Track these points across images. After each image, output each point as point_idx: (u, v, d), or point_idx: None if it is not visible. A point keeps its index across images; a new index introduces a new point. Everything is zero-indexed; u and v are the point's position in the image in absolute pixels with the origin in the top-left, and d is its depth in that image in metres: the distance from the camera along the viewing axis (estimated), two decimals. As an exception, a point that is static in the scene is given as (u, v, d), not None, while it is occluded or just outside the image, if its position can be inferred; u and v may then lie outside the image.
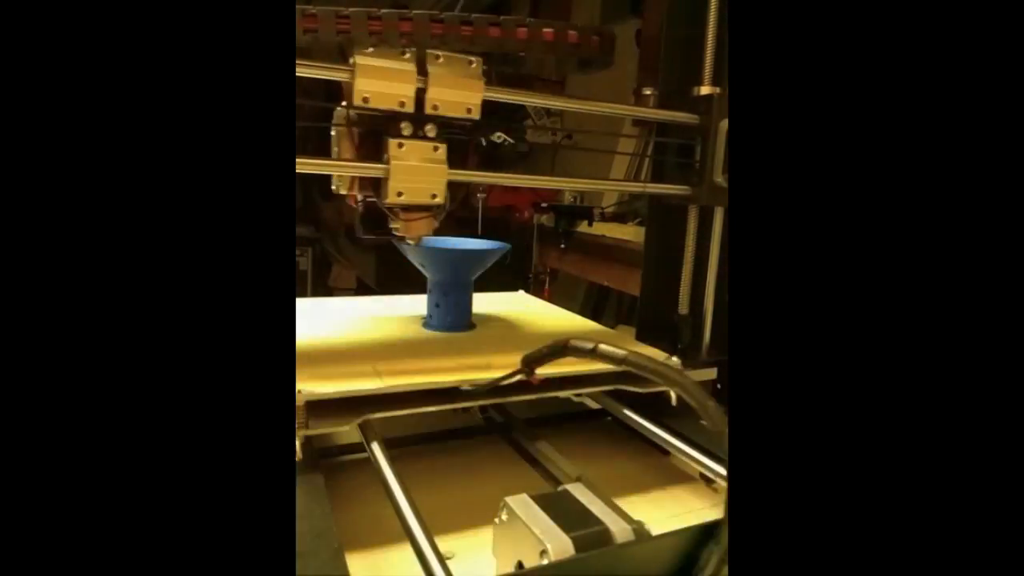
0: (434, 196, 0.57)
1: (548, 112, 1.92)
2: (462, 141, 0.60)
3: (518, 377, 0.51)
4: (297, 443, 0.48)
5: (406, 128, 0.55)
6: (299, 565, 0.35)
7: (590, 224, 1.67)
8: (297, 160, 0.51)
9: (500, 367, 0.54)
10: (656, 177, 0.76)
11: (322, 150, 0.53)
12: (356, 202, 0.61)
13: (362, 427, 0.51)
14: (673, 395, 0.61)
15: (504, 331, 0.77)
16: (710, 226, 0.73)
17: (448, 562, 0.37)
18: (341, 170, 0.58)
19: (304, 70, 0.50)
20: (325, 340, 0.66)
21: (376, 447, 0.50)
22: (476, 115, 0.57)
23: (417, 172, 0.56)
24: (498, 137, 0.62)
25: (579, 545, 0.37)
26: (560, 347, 0.46)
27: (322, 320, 0.76)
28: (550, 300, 0.98)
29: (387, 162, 0.55)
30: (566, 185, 0.89)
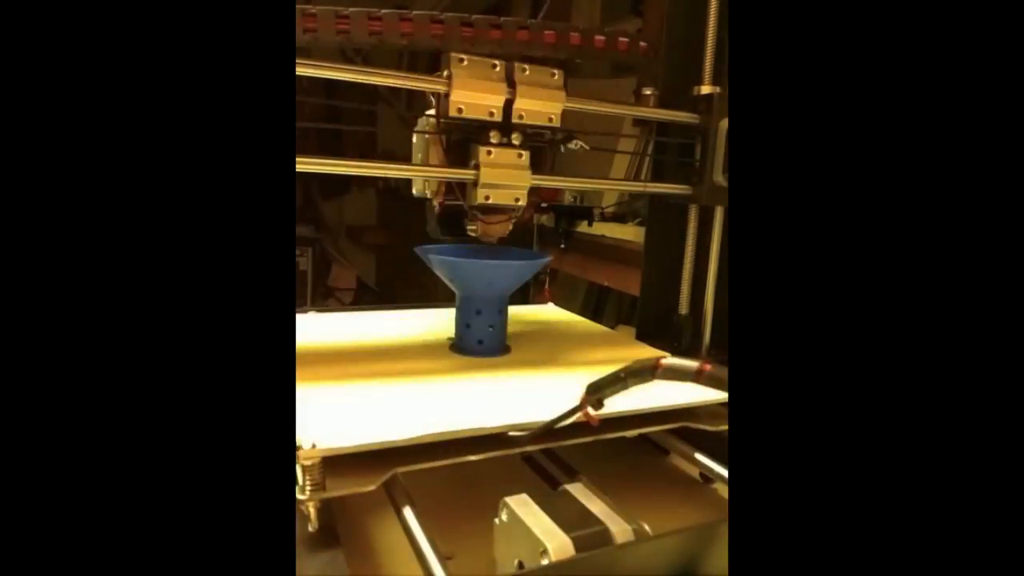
0: (517, 200, 0.61)
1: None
2: (541, 148, 0.64)
3: (578, 416, 0.42)
4: (312, 509, 0.41)
5: (495, 136, 0.59)
6: (299, 565, 0.35)
7: (590, 224, 1.67)
8: (392, 167, 0.58)
9: (549, 404, 0.46)
10: (656, 177, 0.76)
11: (322, 149, 0.54)
12: (436, 205, 0.65)
13: (388, 485, 0.43)
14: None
15: (546, 355, 0.68)
16: (710, 226, 0.73)
17: (448, 562, 0.37)
18: (435, 175, 0.62)
19: (398, 81, 0.55)
20: (338, 372, 0.58)
21: (408, 512, 0.42)
22: (557, 123, 0.61)
23: (503, 177, 0.60)
24: (575, 144, 0.64)
25: (579, 545, 0.37)
26: (643, 369, 0.37)
27: (330, 339, 0.68)
28: (550, 300, 0.98)
29: (476, 168, 0.59)
30: (573, 185, 0.91)
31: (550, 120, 0.60)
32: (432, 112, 0.61)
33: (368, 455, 0.42)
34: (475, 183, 0.59)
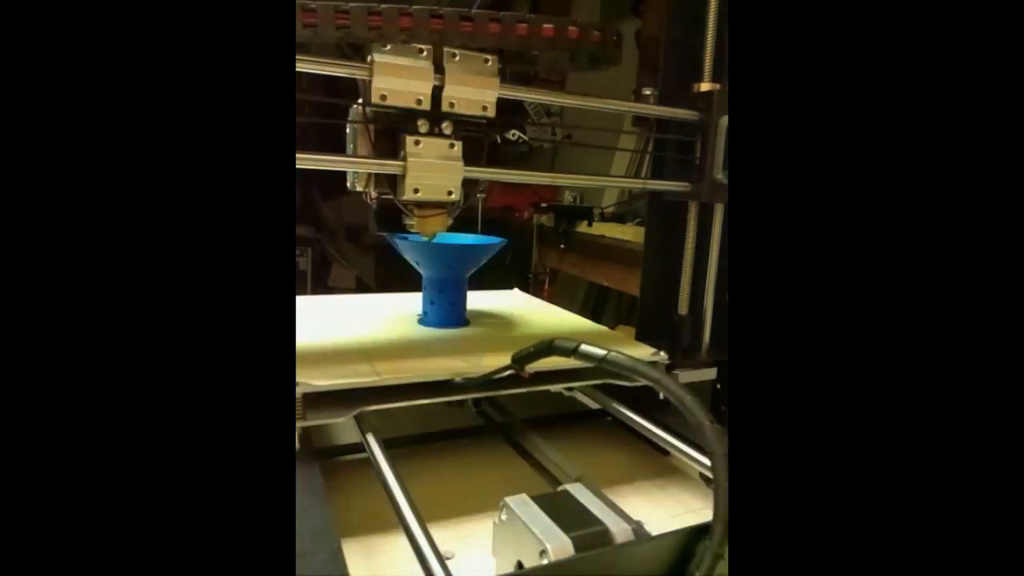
0: (450, 193, 0.58)
1: (548, 112, 1.92)
2: (477, 139, 0.60)
3: (508, 372, 0.53)
4: (296, 436, 0.48)
5: (423, 125, 0.56)
6: (298, 566, 0.35)
7: (590, 224, 1.67)
8: (311, 156, 0.53)
9: (492, 363, 0.56)
10: (656, 175, 0.76)
11: (322, 146, 0.54)
12: (371, 199, 0.62)
13: (358, 419, 0.52)
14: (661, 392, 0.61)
15: (497, 328, 0.78)
16: (710, 225, 0.73)
17: (448, 562, 0.37)
18: (358, 167, 0.59)
19: (319, 67, 0.51)
20: (321, 336, 0.67)
21: (372, 440, 0.51)
22: (491, 113, 0.57)
23: (433, 169, 0.57)
24: (513, 135, 0.61)
25: (579, 545, 0.37)
26: (545, 346, 0.49)
27: (318, 317, 0.76)
28: (550, 300, 0.97)
29: (404, 159, 0.56)
30: (570, 182, 0.90)
31: (484, 109, 0.57)
32: (362, 101, 0.57)
33: (340, 393, 0.51)
34: (403, 175, 0.56)
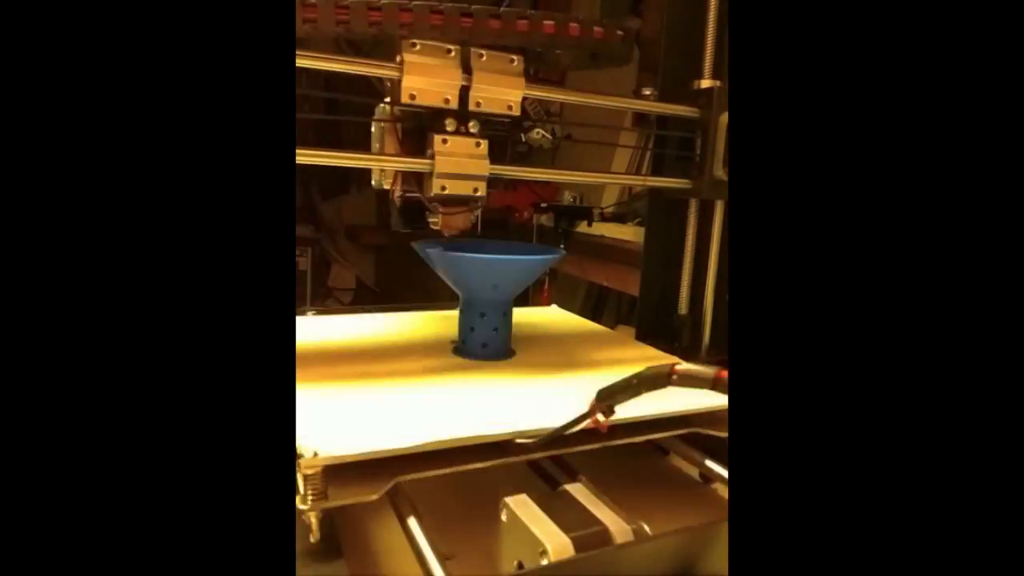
0: (475, 190, 0.59)
1: (548, 112, 1.92)
2: (501, 137, 0.62)
3: (587, 423, 0.42)
4: (314, 519, 0.39)
5: (450, 124, 0.57)
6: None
7: (589, 224, 1.67)
8: (338, 155, 0.55)
9: (555, 408, 0.46)
10: (656, 172, 0.76)
11: (322, 143, 0.54)
12: (396, 197, 0.63)
13: (391, 494, 0.42)
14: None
15: (551, 358, 0.66)
16: (710, 224, 0.73)
17: (448, 562, 0.37)
18: (387, 164, 0.61)
19: (351, 67, 0.53)
20: (340, 376, 0.56)
21: (413, 522, 0.41)
22: (516, 112, 0.59)
23: (460, 167, 0.58)
24: (537, 134, 0.62)
25: (579, 545, 0.37)
26: (658, 377, 0.36)
27: (330, 341, 0.67)
28: (550, 300, 0.97)
29: (432, 157, 0.57)
30: (575, 179, 0.90)
31: (509, 108, 0.58)
32: (390, 100, 0.59)
33: (371, 463, 0.41)
34: (431, 173, 0.57)
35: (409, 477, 0.42)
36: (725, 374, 0.34)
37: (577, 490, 0.44)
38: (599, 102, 0.66)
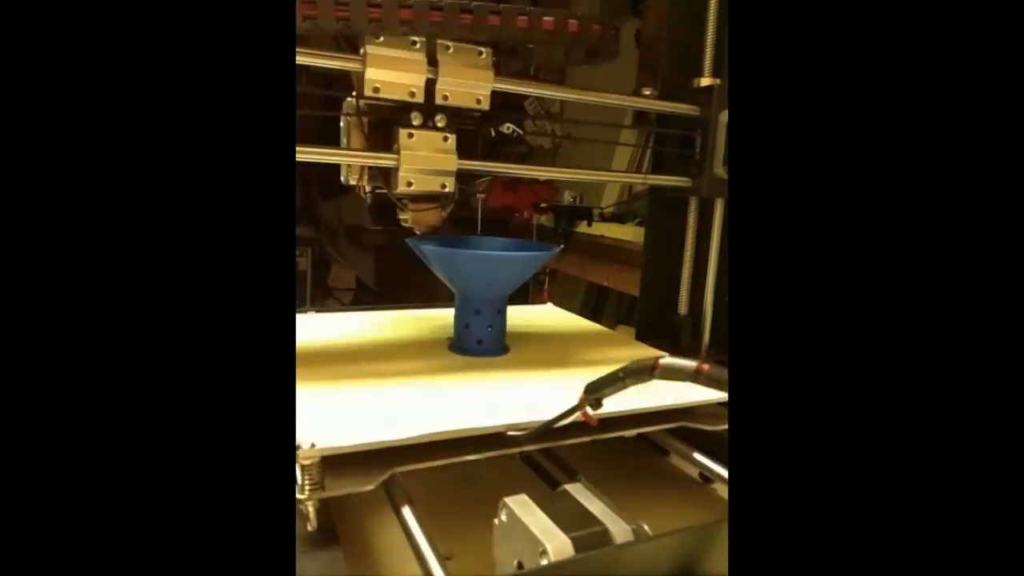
0: (444, 186, 0.57)
1: (547, 112, 1.92)
2: (471, 132, 0.60)
3: (576, 416, 0.42)
4: (311, 509, 0.40)
5: (416, 118, 0.55)
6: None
7: (589, 224, 1.67)
8: (305, 150, 0.52)
9: (548, 403, 0.46)
10: (656, 171, 0.76)
11: (323, 141, 0.53)
12: (365, 193, 0.62)
13: (387, 485, 0.43)
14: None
15: (544, 355, 0.67)
16: (710, 224, 0.73)
17: (448, 562, 0.37)
18: (350, 160, 0.59)
19: (313, 59, 0.51)
20: (337, 372, 0.57)
21: (407, 511, 0.42)
22: (485, 105, 0.57)
23: (427, 162, 0.56)
24: (507, 128, 0.61)
25: (579, 545, 0.37)
26: (642, 369, 0.37)
27: (329, 339, 0.68)
28: (550, 300, 0.97)
29: (397, 152, 0.55)
30: (570, 176, 0.89)
31: (478, 101, 0.57)
32: (355, 94, 0.57)
33: (367, 454, 0.42)
34: (397, 168, 0.55)
35: (403, 469, 0.43)
36: (706, 367, 0.34)
37: (577, 490, 0.43)
38: (598, 100, 0.66)
